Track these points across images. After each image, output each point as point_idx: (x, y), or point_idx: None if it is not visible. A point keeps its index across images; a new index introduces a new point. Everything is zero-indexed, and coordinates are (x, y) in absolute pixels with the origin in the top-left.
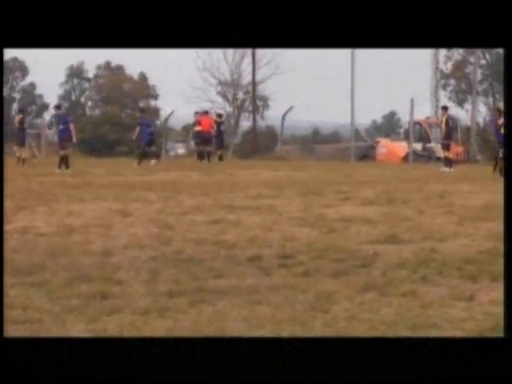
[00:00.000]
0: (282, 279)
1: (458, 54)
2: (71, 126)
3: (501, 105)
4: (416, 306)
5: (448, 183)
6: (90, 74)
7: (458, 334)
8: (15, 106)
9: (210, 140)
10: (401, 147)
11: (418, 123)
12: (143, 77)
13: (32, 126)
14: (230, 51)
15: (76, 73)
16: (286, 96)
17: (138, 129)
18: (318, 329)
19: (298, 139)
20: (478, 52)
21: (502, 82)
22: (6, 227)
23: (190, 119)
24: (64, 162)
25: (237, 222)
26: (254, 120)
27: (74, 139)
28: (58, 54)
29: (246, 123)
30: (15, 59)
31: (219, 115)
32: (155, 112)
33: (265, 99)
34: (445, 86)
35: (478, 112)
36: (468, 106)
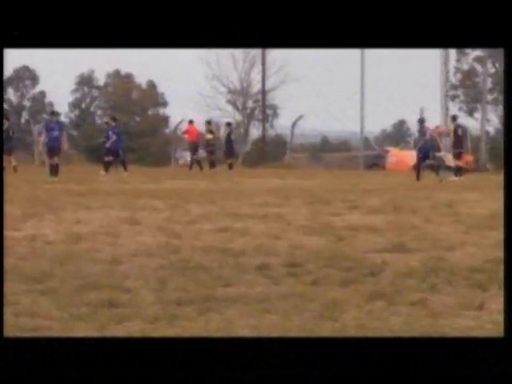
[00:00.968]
0: (291, 288)
1: (466, 64)
2: (63, 134)
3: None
4: (425, 314)
5: (455, 192)
6: (100, 82)
7: None
8: (25, 114)
9: (197, 148)
10: (410, 156)
11: None
12: (152, 85)
13: (40, 135)
14: (240, 60)
15: (86, 81)
16: (296, 104)
17: (114, 138)
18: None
19: (306, 148)
20: (488, 61)
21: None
22: (15, 234)
23: (200, 128)
24: (54, 170)
25: (244, 230)
26: (264, 128)
27: (65, 147)
28: (68, 62)
29: (255, 132)
30: (26, 68)
31: (228, 124)
32: (164, 120)
33: (274, 108)
34: (454, 97)
35: (487, 121)
36: (478, 115)
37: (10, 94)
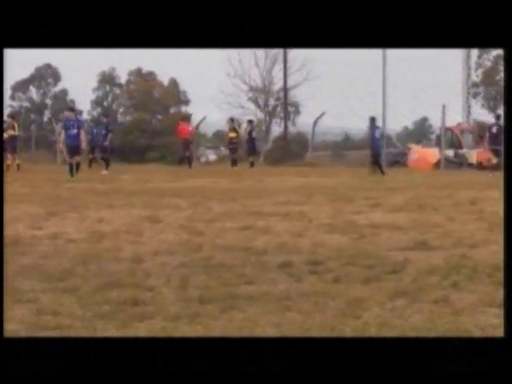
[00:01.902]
0: (313, 285)
1: (488, 61)
2: (82, 132)
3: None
4: (447, 312)
5: (479, 190)
6: (122, 80)
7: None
8: (47, 113)
9: (187, 146)
10: (432, 153)
11: (449, 129)
12: (174, 83)
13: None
14: (262, 57)
15: (108, 79)
16: (318, 102)
17: (110, 135)
18: (348, 335)
19: (328, 145)
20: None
21: None
22: (37, 233)
23: (222, 125)
24: (75, 169)
25: (266, 228)
26: (285, 126)
27: (84, 146)
28: (90, 59)
29: (277, 129)
30: (48, 65)
31: (250, 121)
32: (186, 118)
33: (296, 105)
34: (475, 95)
35: None
36: (500, 111)
37: (33, 93)
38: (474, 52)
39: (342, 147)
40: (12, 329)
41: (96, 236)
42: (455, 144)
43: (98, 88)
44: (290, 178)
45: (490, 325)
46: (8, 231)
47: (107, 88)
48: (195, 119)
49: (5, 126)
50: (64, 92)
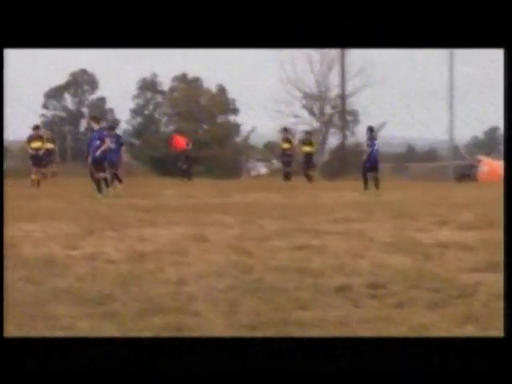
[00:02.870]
0: (373, 311)
1: None
2: (105, 143)
3: None
4: None
5: None
6: (165, 87)
7: None
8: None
9: (184, 158)
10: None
11: None
12: (222, 89)
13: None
14: (317, 62)
15: (149, 85)
16: (378, 110)
17: (123, 148)
18: None
19: (390, 157)
20: None
21: None
22: (72, 253)
23: (273, 136)
24: (105, 184)
25: (322, 247)
26: (343, 136)
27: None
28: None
29: (334, 140)
30: (84, 71)
31: (307, 132)
32: (235, 128)
33: (355, 113)
34: None
35: None
36: None
37: (67, 101)
38: None
39: (405, 159)
40: None
41: (137, 256)
42: None
43: (139, 95)
44: (349, 192)
45: None
46: (41, 250)
47: (148, 95)
48: (245, 129)
49: (29, 137)
50: (102, 100)
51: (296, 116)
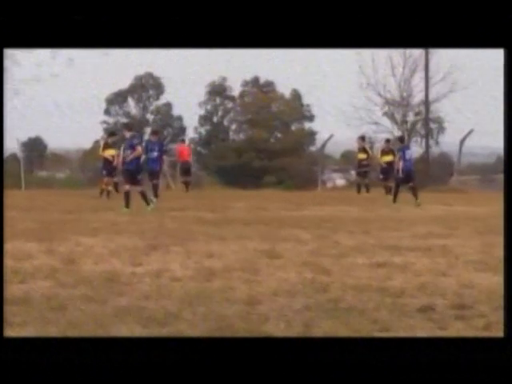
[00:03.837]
0: (460, 333)
1: None
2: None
3: None
4: None
5: None
6: (235, 92)
7: None
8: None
9: (189, 170)
10: None
11: None
12: (296, 95)
13: (167, 153)
14: (399, 65)
15: (218, 90)
16: (465, 117)
17: (164, 158)
18: None
19: (477, 168)
20: None
21: None
22: (136, 270)
23: (351, 145)
24: (144, 197)
25: (404, 265)
26: (427, 146)
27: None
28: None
29: (417, 149)
30: (149, 75)
31: (388, 141)
32: (310, 136)
33: (439, 121)
34: None
35: None
36: None
37: (131, 107)
38: None
39: (494, 170)
40: None
41: (205, 273)
42: None
43: (207, 101)
44: (432, 206)
45: None
46: (103, 267)
47: (217, 101)
48: (321, 138)
49: (102, 143)
50: (168, 106)
51: (376, 123)
